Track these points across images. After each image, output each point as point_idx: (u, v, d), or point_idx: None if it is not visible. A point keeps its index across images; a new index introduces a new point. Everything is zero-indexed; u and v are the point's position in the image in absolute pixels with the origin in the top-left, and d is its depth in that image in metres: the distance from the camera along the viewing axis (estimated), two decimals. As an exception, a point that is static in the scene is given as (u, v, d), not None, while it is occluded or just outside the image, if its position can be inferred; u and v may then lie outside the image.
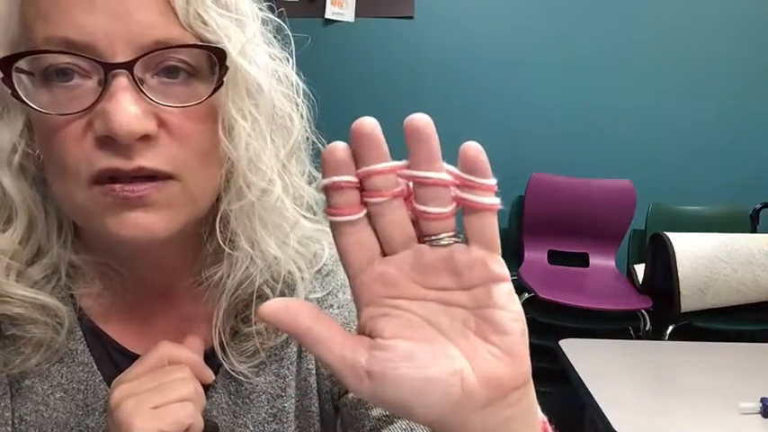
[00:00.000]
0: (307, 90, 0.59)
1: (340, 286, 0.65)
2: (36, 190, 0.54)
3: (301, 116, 0.58)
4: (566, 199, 2.68)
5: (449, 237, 0.37)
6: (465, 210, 0.36)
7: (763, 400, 1.46)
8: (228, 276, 0.56)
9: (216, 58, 0.49)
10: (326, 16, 2.76)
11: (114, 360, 0.60)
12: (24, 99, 0.47)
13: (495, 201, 0.36)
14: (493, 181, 0.36)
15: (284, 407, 0.63)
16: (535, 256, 2.67)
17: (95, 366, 0.59)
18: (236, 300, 0.58)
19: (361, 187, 0.36)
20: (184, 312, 0.61)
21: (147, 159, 0.48)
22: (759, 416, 1.45)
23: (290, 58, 0.58)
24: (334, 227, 0.37)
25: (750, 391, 1.52)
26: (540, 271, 2.60)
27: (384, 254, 0.38)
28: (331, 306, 0.64)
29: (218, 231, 0.55)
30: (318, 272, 0.64)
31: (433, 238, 0.37)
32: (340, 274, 0.65)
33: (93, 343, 0.59)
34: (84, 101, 0.47)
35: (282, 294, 0.59)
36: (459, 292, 0.37)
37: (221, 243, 0.55)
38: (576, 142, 2.83)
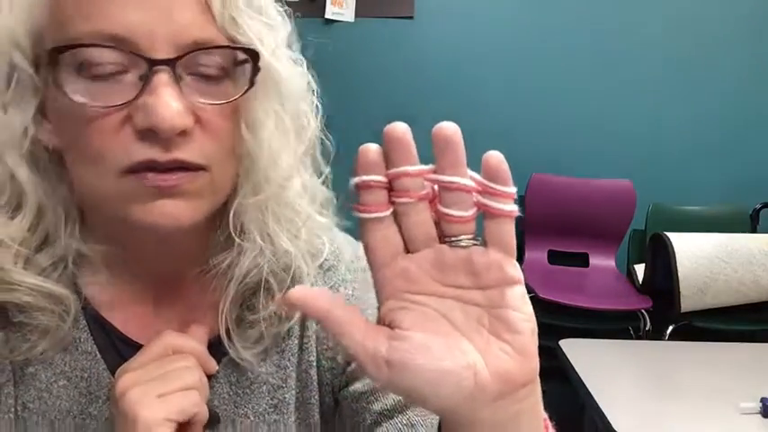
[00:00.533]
0: (318, 90, 0.61)
1: (341, 281, 0.65)
2: (45, 178, 0.54)
3: (315, 116, 0.61)
4: (566, 199, 2.68)
5: (468, 239, 0.39)
6: (485, 215, 0.39)
7: (763, 400, 1.46)
8: (237, 265, 0.58)
9: (250, 59, 0.52)
10: (326, 16, 2.76)
11: (118, 349, 0.60)
12: (66, 90, 0.49)
13: (513, 207, 0.39)
14: (513, 189, 0.39)
15: (285, 398, 0.63)
16: (535, 256, 2.67)
17: (99, 355, 0.59)
18: (243, 288, 0.59)
19: (390, 187, 0.39)
20: (189, 302, 0.62)
21: (183, 152, 0.50)
22: (759, 416, 1.45)
23: (303, 59, 0.61)
24: (363, 223, 0.39)
25: (750, 391, 1.52)
26: (540, 271, 2.60)
27: (407, 251, 0.40)
28: None
29: (230, 223, 0.57)
30: (320, 266, 0.65)
31: (453, 239, 0.39)
32: (341, 269, 0.66)
33: (97, 332, 0.60)
34: (124, 95, 0.49)
35: (287, 285, 0.60)
36: (475, 291, 0.39)
37: (233, 234, 0.57)
38: (575, 142, 2.83)
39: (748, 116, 2.82)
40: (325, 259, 0.65)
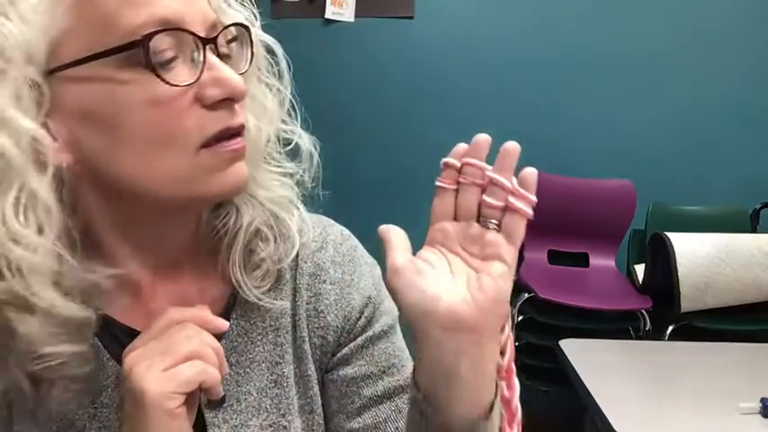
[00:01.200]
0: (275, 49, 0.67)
1: (331, 263, 0.69)
2: (63, 200, 0.54)
3: (282, 82, 0.67)
4: (566, 199, 2.68)
5: (494, 223, 0.52)
6: (508, 209, 0.52)
7: (763, 400, 1.46)
8: (241, 215, 0.64)
9: (247, 34, 0.59)
10: (326, 16, 2.77)
11: (120, 339, 0.61)
12: (160, 74, 0.52)
13: (529, 210, 0.51)
14: (534, 198, 0.51)
15: (284, 372, 0.66)
16: (535, 256, 2.67)
17: (100, 344, 0.60)
18: (249, 235, 0.64)
19: (460, 171, 0.53)
20: (188, 288, 0.65)
21: (241, 117, 0.57)
22: (759, 416, 1.46)
23: (277, 43, 0.67)
24: (437, 190, 0.54)
25: (750, 391, 1.52)
26: (540, 271, 2.60)
27: (455, 219, 0.54)
28: (324, 281, 0.68)
29: None
30: (308, 247, 0.69)
31: (485, 219, 0.53)
32: (330, 250, 0.70)
33: (96, 323, 0.59)
34: (186, 74, 0.53)
35: (276, 239, 0.66)
36: (477, 258, 0.52)
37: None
38: (576, 142, 2.83)
39: (748, 116, 2.82)
40: (314, 240, 0.69)
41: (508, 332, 0.55)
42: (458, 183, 0.54)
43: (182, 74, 0.53)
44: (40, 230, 0.51)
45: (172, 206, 0.58)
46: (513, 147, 0.52)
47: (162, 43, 0.52)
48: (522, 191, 0.52)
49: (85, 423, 0.58)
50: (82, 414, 0.58)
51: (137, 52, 0.51)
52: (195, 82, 0.53)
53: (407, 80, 2.84)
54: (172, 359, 0.54)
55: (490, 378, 0.54)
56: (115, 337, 0.61)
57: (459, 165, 0.53)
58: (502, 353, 0.55)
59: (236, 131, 0.56)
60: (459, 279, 0.52)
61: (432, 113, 2.84)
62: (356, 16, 2.78)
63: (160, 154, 0.53)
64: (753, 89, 2.82)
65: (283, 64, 0.66)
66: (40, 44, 0.51)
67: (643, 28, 2.79)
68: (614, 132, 2.83)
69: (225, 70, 0.54)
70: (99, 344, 0.60)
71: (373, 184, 2.84)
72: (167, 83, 0.52)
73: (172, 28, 0.52)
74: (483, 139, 0.53)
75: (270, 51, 0.66)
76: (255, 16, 0.64)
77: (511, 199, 0.52)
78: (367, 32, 2.80)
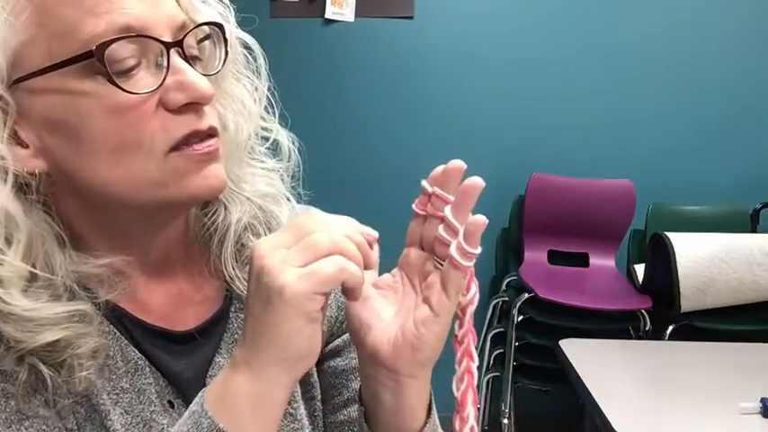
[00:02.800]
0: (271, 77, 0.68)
1: None
2: (32, 207, 0.55)
3: (260, 78, 0.67)
4: (566, 199, 2.68)
5: (440, 264, 0.51)
6: (448, 260, 0.49)
7: (763, 400, 1.46)
8: (231, 213, 0.64)
9: (221, 33, 0.59)
10: (326, 16, 2.76)
11: (130, 330, 0.60)
12: (117, 83, 0.51)
13: (466, 264, 0.49)
14: (476, 250, 0.49)
15: None
16: (535, 256, 2.67)
17: (117, 332, 0.59)
18: (239, 230, 0.65)
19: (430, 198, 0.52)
20: (184, 286, 0.65)
21: (211, 119, 0.57)
22: (759, 416, 1.46)
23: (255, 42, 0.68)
24: (413, 212, 0.53)
25: (750, 391, 1.52)
26: (540, 271, 2.60)
27: (421, 247, 0.53)
28: None
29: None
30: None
31: (436, 258, 0.52)
32: None
33: (108, 315, 0.60)
34: (149, 81, 0.53)
35: (267, 233, 0.66)
36: (420, 297, 0.52)
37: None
38: (576, 142, 2.83)
39: (748, 116, 2.82)
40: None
41: (466, 345, 0.53)
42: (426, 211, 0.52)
43: (145, 80, 0.53)
44: (8, 242, 0.52)
45: (149, 210, 0.58)
46: (474, 184, 0.49)
47: (122, 51, 0.52)
48: (463, 244, 0.48)
49: (109, 409, 0.57)
50: (105, 399, 0.58)
51: (93, 62, 0.51)
52: (158, 88, 0.53)
53: (407, 80, 2.84)
54: (310, 254, 0.47)
55: (416, 409, 0.55)
56: (128, 326, 0.61)
57: (429, 190, 0.51)
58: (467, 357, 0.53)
59: (207, 134, 0.56)
60: (400, 314, 0.52)
61: (432, 113, 2.84)
62: (356, 16, 2.78)
63: (128, 160, 0.53)
64: (753, 88, 2.82)
65: (260, 60, 0.66)
66: (0, 57, 0.51)
67: (644, 28, 2.79)
68: (614, 132, 2.83)
69: (190, 74, 0.54)
70: (115, 330, 0.59)
71: (373, 182, 2.84)
72: (126, 91, 0.52)
73: (130, 35, 0.51)
74: (455, 166, 0.50)
75: (247, 47, 0.66)
76: (231, 12, 0.64)
77: (452, 250, 0.48)
78: (367, 32, 2.80)
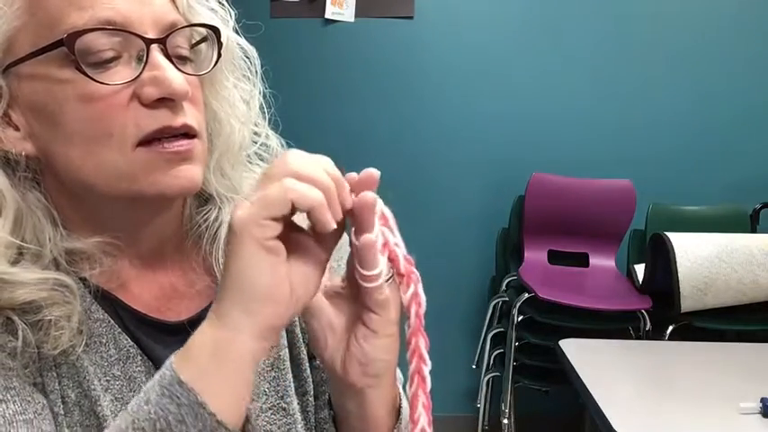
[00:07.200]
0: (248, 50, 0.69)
1: None
2: (20, 185, 0.57)
3: (254, 84, 0.68)
4: (566, 199, 2.68)
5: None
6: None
7: (763, 400, 1.46)
8: (224, 213, 0.65)
9: (215, 35, 0.60)
10: (326, 16, 2.76)
11: (123, 319, 0.61)
12: (86, 72, 0.53)
13: (373, 285, 0.48)
14: (374, 271, 0.48)
15: (280, 355, 0.67)
16: (535, 255, 2.67)
17: (111, 320, 0.60)
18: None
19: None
20: (176, 280, 0.66)
21: (187, 118, 0.56)
22: (759, 416, 1.45)
23: (253, 49, 0.69)
24: None
25: (750, 391, 1.52)
26: (540, 271, 2.60)
27: None
28: None
29: (212, 182, 0.65)
30: None
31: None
32: None
33: (102, 302, 0.61)
34: (126, 74, 0.54)
35: None
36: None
37: (214, 194, 0.66)
38: (575, 142, 2.83)
39: (748, 116, 2.82)
40: None
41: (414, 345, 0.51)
42: None
43: (121, 73, 0.54)
44: None
45: (125, 202, 0.58)
46: (362, 200, 0.48)
47: (99, 43, 0.53)
48: (358, 269, 0.49)
49: (99, 395, 0.58)
50: (96, 385, 0.58)
51: (64, 50, 0.52)
52: (131, 81, 0.54)
53: (407, 80, 2.84)
54: (264, 185, 0.46)
55: (380, 416, 0.57)
56: (119, 316, 0.61)
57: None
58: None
59: (180, 132, 0.56)
60: (348, 326, 0.53)
61: (431, 113, 2.84)
62: (356, 16, 2.78)
63: (99, 150, 0.55)
64: (753, 89, 2.82)
65: (257, 65, 0.68)
66: None
67: (643, 28, 2.79)
68: (614, 132, 2.83)
69: (167, 70, 0.54)
70: (109, 318, 0.60)
71: (373, 184, 2.83)
72: (97, 81, 0.53)
73: (106, 28, 0.53)
74: (368, 175, 0.49)
75: (243, 51, 0.67)
76: (231, 16, 0.65)
77: (358, 268, 0.48)
78: (367, 32, 2.80)
